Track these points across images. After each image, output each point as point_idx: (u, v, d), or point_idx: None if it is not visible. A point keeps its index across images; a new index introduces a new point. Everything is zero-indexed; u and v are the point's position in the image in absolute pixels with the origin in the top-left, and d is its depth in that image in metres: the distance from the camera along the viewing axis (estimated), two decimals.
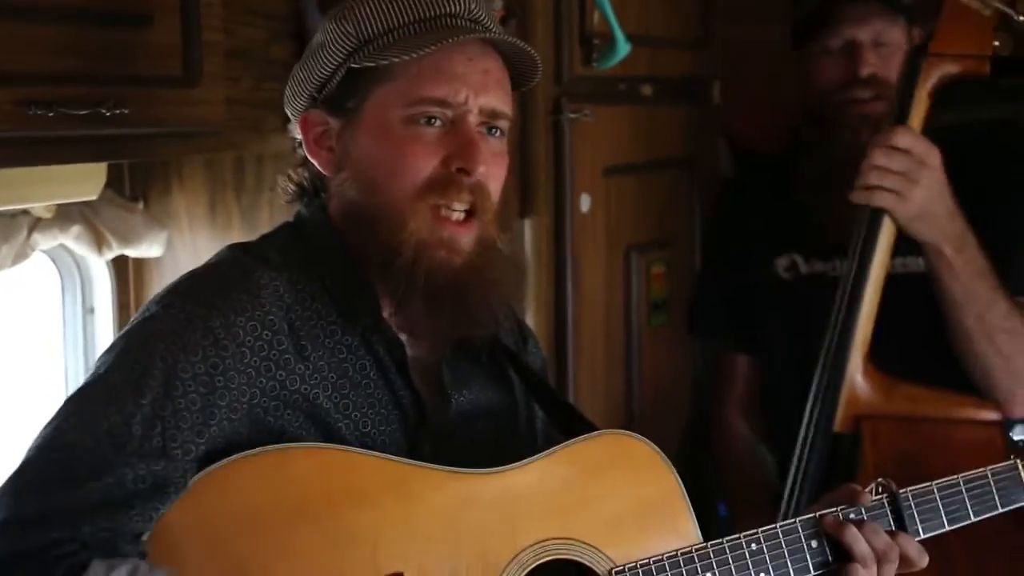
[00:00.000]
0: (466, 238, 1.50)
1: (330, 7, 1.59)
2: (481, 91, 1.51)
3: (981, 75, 2.13)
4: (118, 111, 1.60)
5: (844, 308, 2.19)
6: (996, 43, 2.09)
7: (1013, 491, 1.74)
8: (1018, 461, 1.75)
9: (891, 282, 2.20)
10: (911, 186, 2.11)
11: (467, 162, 1.49)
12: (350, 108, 1.52)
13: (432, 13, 1.51)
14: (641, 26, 2.44)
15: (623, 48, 2.26)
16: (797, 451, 2.21)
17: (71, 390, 1.43)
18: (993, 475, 1.73)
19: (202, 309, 1.41)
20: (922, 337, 2.27)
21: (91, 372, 1.42)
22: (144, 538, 1.31)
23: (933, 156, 2.11)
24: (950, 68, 2.13)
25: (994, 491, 1.72)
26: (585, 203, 2.33)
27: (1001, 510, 1.73)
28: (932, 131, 2.15)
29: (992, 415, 2.19)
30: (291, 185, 1.61)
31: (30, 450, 1.34)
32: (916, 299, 2.25)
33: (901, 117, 2.15)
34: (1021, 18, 2.07)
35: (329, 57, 1.52)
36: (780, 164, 2.66)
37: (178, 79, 1.73)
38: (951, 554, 2.05)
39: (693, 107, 2.73)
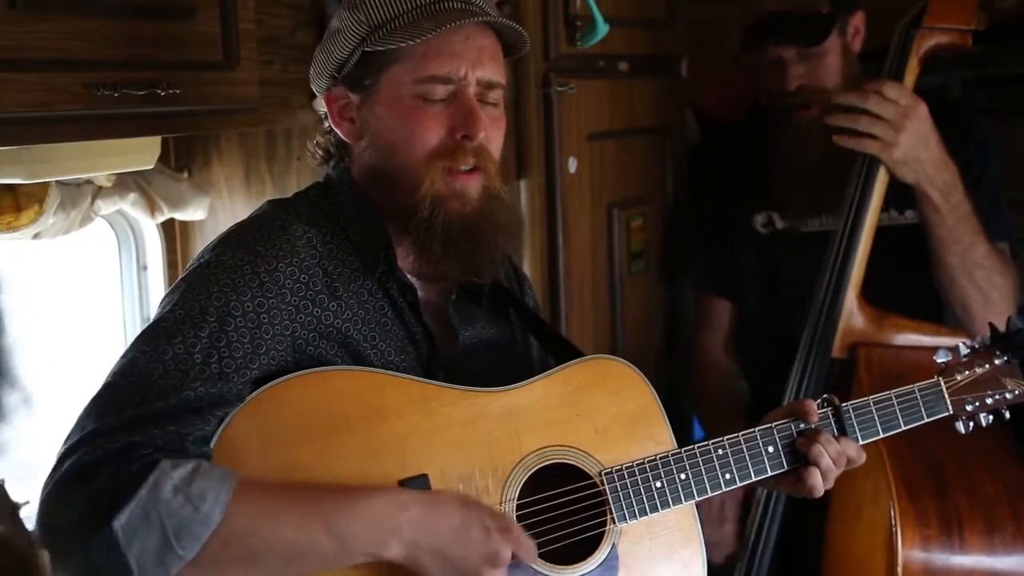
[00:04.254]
0: (474, 186, 1.57)
1: None
2: (478, 65, 1.57)
3: (964, 47, 2.18)
4: (171, 91, 1.65)
5: (842, 247, 2.23)
6: (976, 18, 2.16)
7: (936, 404, 1.80)
8: (940, 379, 1.82)
9: (879, 233, 2.24)
10: (897, 133, 2.14)
11: (469, 129, 1.56)
12: (367, 85, 1.59)
13: None
14: (617, 9, 2.48)
15: (602, 29, 2.30)
16: (795, 374, 2.26)
17: (129, 336, 1.48)
18: (920, 391, 1.79)
19: (249, 256, 1.49)
20: (906, 280, 2.32)
21: (158, 310, 1.50)
22: (211, 444, 1.39)
23: (920, 108, 2.15)
24: (939, 39, 2.18)
25: (921, 404, 1.79)
26: (572, 165, 2.37)
27: (926, 419, 1.79)
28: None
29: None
30: (319, 150, 1.69)
31: (108, 376, 1.42)
32: (900, 250, 2.30)
33: (895, 79, 2.18)
34: None
35: (345, 42, 1.58)
36: (741, 130, 2.70)
37: (219, 63, 1.78)
38: (939, 458, 2.14)
39: (663, 80, 2.77)
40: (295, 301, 1.50)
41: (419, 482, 1.47)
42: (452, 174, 1.57)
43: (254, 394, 1.43)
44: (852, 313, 2.25)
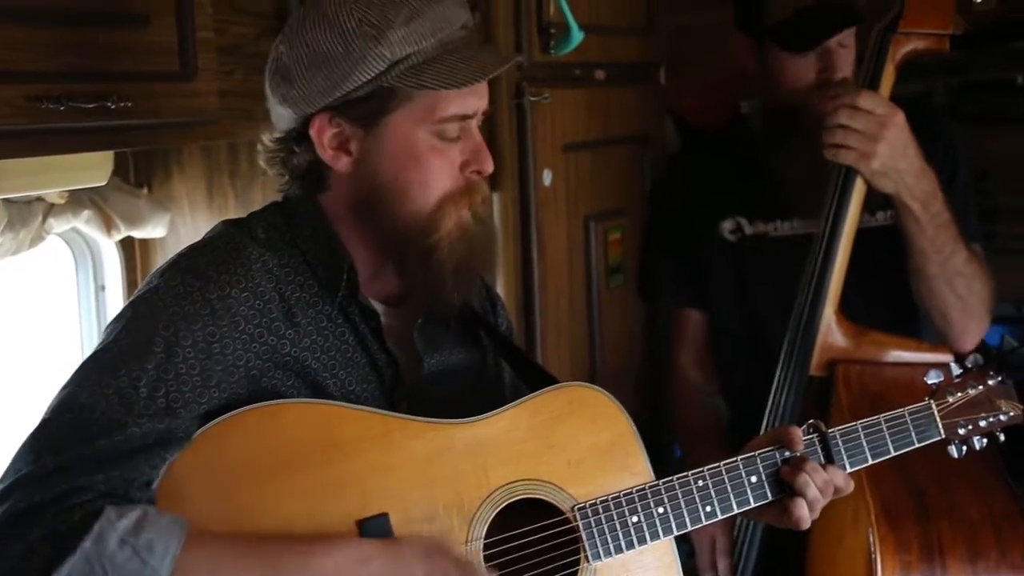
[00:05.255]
0: (477, 211, 1.54)
1: None
2: (484, 98, 1.54)
3: (941, 52, 2.13)
4: (122, 104, 1.59)
5: (819, 262, 2.18)
6: (953, 23, 2.10)
7: (927, 428, 1.75)
8: (932, 401, 1.76)
9: (857, 236, 2.20)
10: (874, 144, 2.09)
11: (481, 165, 1.53)
12: (373, 119, 1.49)
13: (449, 31, 1.49)
14: (593, 16, 2.43)
15: (577, 36, 2.25)
16: (773, 393, 2.21)
17: None
18: (910, 414, 1.74)
19: (200, 282, 1.42)
20: (882, 284, 2.28)
21: (100, 340, 1.42)
22: (154, 487, 1.32)
23: (897, 116, 2.10)
24: (916, 44, 2.13)
25: (911, 428, 1.73)
26: (547, 177, 2.32)
27: (917, 444, 1.74)
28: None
29: (946, 358, 2.18)
30: (284, 171, 1.57)
31: (47, 412, 1.34)
32: (879, 251, 2.25)
33: (871, 87, 2.14)
34: (980, 0, 2.06)
35: (361, 74, 1.46)
36: (721, 137, 2.66)
37: (175, 74, 1.72)
38: (922, 484, 2.09)
39: (642, 89, 2.72)
40: (249, 329, 1.43)
41: (379, 522, 1.40)
42: (463, 211, 1.52)
43: (201, 430, 1.36)
44: (830, 329, 2.19)
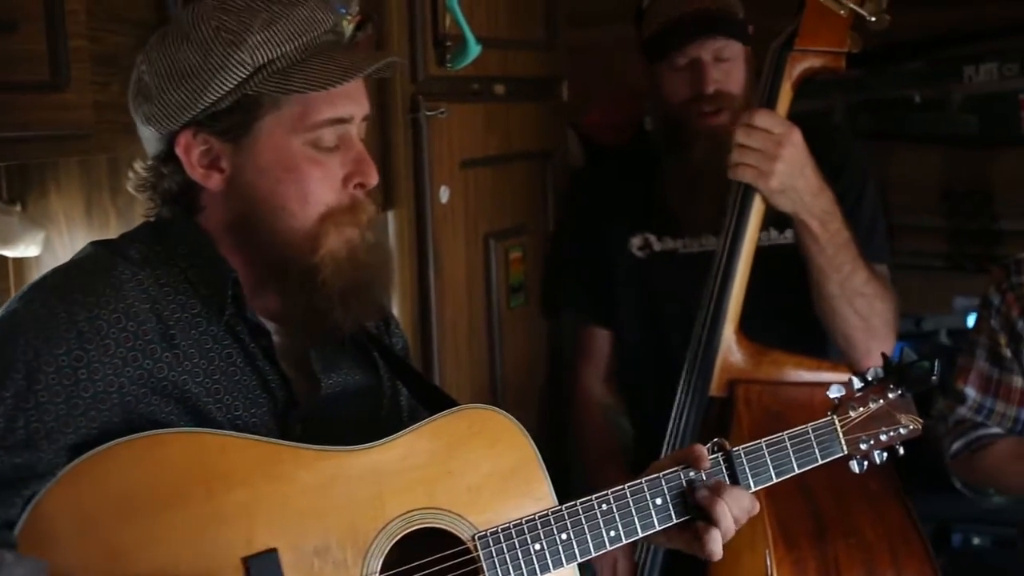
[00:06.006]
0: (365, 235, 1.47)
1: None
2: (361, 103, 1.47)
3: (838, 70, 2.14)
4: None
5: (718, 281, 2.17)
6: (849, 41, 2.10)
7: (830, 444, 1.73)
8: (834, 416, 1.75)
9: (758, 253, 2.19)
10: (771, 162, 2.09)
11: (365, 177, 1.46)
12: (240, 131, 1.43)
13: (314, 34, 1.43)
14: (491, 30, 2.38)
15: (474, 50, 2.20)
16: (674, 414, 2.19)
17: None
18: (814, 431, 1.72)
19: (65, 303, 1.33)
20: (782, 303, 2.28)
21: None
22: (16, 528, 1.23)
23: (794, 135, 2.10)
24: (812, 62, 2.13)
25: (815, 445, 1.71)
26: (444, 194, 2.26)
27: (821, 462, 1.72)
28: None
29: (845, 376, 2.19)
30: (156, 195, 1.50)
31: None
32: (779, 270, 2.25)
33: (768, 105, 2.14)
34: (873, 19, 2.07)
35: (221, 84, 1.40)
36: (625, 152, 2.65)
37: (45, 84, 1.63)
38: (818, 500, 2.10)
39: (543, 104, 2.68)
40: (121, 353, 1.34)
41: (267, 559, 1.32)
42: (348, 229, 1.45)
43: (69, 466, 1.26)
44: (730, 349, 2.18)
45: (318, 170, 1.43)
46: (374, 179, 1.47)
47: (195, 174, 1.44)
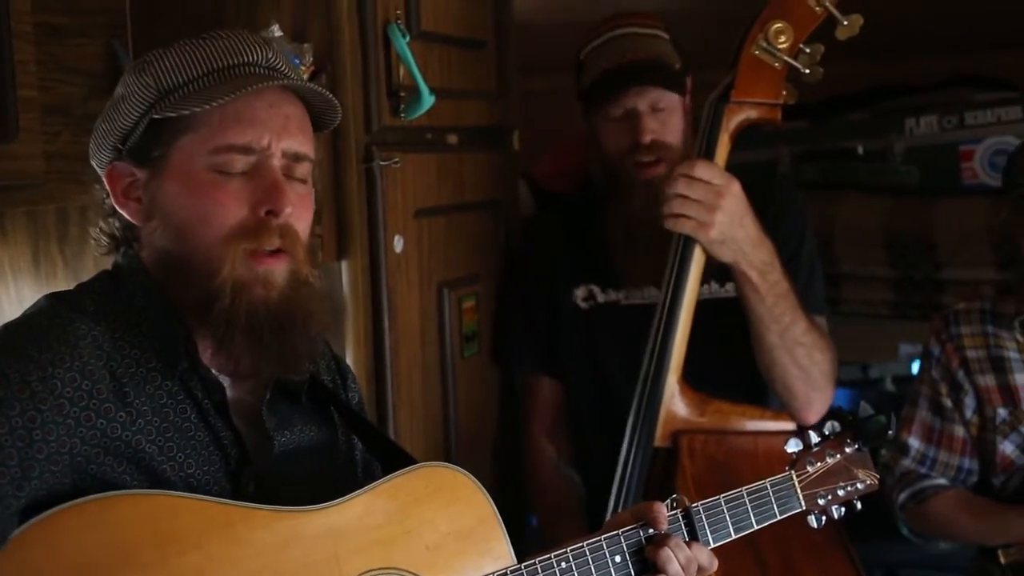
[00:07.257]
0: (280, 271, 1.42)
1: None
2: (283, 135, 1.43)
3: (774, 120, 2.16)
4: None
5: (661, 332, 2.17)
6: (784, 92, 2.12)
7: (788, 500, 1.73)
8: (792, 472, 1.74)
9: (700, 306, 2.19)
10: (711, 213, 2.09)
11: (275, 204, 1.41)
12: (155, 158, 1.42)
13: (229, 63, 1.43)
14: (444, 80, 2.38)
15: (427, 100, 2.20)
16: (620, 465, 2.17)
17: None
18: (772, 486, 1.71)
19: (19, 362, 1.29)
20: (725, 354, 2.28)
21: None
22: None
23: (733, 186, 2.11)
24: (749, 113, 2.15)
25: (773, 500, 1.71)
26: (398, 244, 2.25)
27: (779, 517, 1.72)
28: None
29: (788, 426, 2.21)
30: (104, 237, 1.50)
31: None
32: (721, 322, 2.25)
33: (707, 156, 2.14)
34: (807, 71, 2.09)
35: (130, 109, 1.42)
36: (574, 202, 2.65)
37: None
38: (764, 553, 2.09)
39: (495, 153, 2.67)
40: (75, 412, 1.30)
41: None
42: (255, 257, 1.40)
43: (19, 530, 1.22)
44: (674, 399, 2.18)
45: (221, 193, 1.40)
46: (283, 206, 1.41)
47: (118, 203, 1.45)
